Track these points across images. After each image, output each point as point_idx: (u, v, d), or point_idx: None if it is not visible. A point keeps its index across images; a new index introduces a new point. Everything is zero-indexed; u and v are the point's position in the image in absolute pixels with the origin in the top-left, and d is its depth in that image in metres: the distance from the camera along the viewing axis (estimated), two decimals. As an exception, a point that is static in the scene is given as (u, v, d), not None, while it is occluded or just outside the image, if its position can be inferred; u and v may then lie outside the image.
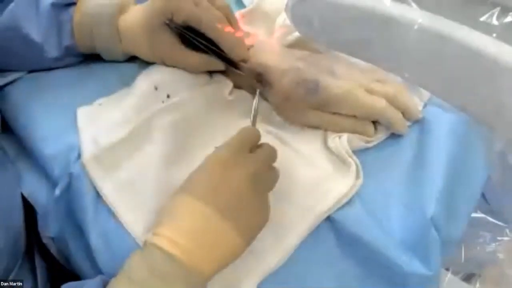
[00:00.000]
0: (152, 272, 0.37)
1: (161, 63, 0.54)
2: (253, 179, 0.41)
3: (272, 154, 0.45)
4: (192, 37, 0.51)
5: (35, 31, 0.52)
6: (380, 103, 0.51)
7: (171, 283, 0.37)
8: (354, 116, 0.51)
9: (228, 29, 0.51)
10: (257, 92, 0.50)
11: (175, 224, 0.40)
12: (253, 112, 0.48)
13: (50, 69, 0.56)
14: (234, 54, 0.52)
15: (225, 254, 0.40)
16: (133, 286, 0.37)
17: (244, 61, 0.52)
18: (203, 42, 0.52)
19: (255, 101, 0.49)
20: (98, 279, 0.40)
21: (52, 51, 0.53)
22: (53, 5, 0.52)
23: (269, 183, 0.44)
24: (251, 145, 0.44)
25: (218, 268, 0.40)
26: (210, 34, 0.51)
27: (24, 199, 0.50)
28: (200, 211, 0.40)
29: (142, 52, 0.54)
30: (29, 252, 0.51)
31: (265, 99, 0.54)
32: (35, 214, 0.50)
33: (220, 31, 0.51)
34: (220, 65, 0.53)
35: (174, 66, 0.54)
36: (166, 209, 0.41)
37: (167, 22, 0.51)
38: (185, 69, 0.54)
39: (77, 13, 0.53)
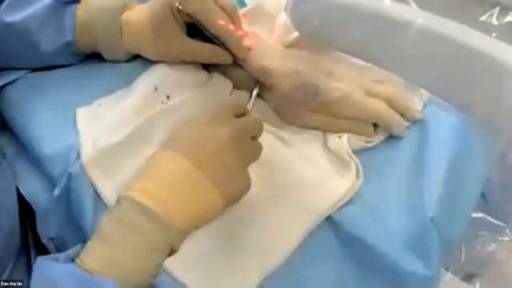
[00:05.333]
0: (122, 224, 0.36)
1: (165, 57, 0.54)
2: (234, 140, 0.41)
3: (256, 124, 0.45)
4: (202, 28, 0.51)
5: (29, 21, 0.51)
6: (379, 107, 0.51)
7: (145, 235, 0.36)
8: (354, 118, 0.51)
9: (231, 27, 0.51)
10: (256, 88, 0.51)
11: (148, 176, 0.39)
12: (252, 99, 0.50)
13: (49, 68, 0.56)
14: (239, 50, 0.52)
15: (202, 208, 0.39)
16: (105, 241, 0.36)
17: (243, 61, 0.52)
18: (209, 36, 0.51)
19: (253, 93, 0.50)
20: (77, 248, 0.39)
21: (48, 44, 0.53)
22: (57, 1, 0.52)
23: (251, 153, 0.44)
24: (236, 112, 0.44)
25: (194, 222, 0.39)
26: (215, 30, 0.51)
27: (21, 198, 0.50)
28: (175, 162, 0.39)
29: (145, 46, 0.54)
30: (25, 250, 0.51)
31: (265, 100, 0.54)
32: (32, 212, 0.50)
33: (224, 27, 0.51)
34: (228, 58, 0.52)
35: (178, 59, 0.53)
36: (143, 165, 0.41)
37: (179, 7, 0.50)
38: (194, 58, 0.53)
39: (80, 9, 0.53)
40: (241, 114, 0.45)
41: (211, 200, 0.40)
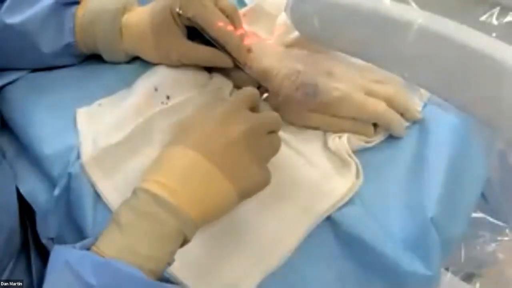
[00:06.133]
0: (138, 214, 0.37)
1: (165, 59, 0.54)
2: (249, 134, 0.42)
3: (274, 119, 0.45)
4: (202, 31, 0.51)
5: (29, 22, 0.51)
6: (379, 107, 0.51)
7: (160, 224, 0.37)
8: (354, 118, 0.52)
9: (230, 29, 0.51)
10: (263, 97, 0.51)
11: (163, 169, 0.40)
12: None
13: (49, 68, 0.56)
14: (239, 53, 0.52)
15: (214, 199, 0.40)
16: (121, 230, 0.37)
17: (243, 64, 0.52)
18: (210, 39, 0.51)
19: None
20: (91, 239, 0.39)
21: (48, 46, 0.53)
22: (57, 2, 0.52)
23: (268, 148, 0.44)
24: (250, 104, 0.45)
25: (207, 213, 0.40)
26: (215, 34, 0.51)
27: (21, 198, 0.50)
28: (186, 156, 0.40)
29: (146, 49, 0.54)
30: (25, 250, 0.51)
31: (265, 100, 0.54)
32: (32, 212, 0.50)
33: (225, 31, 0.51)
34: (228, 61, 0.52)
35: (178, 62, 0.53)
36: (156, 158, 0.42)
37: (179, 12, 0.50)
38: (194, 61, 0.53)
39: (81, 10, 0.53)
40: (255, 104, 0.45)
41: (223, 191, 0.40)
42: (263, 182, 0.43)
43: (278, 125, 0.45)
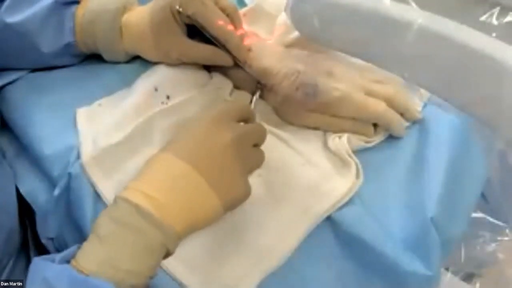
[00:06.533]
0: (120, 224, 0.36)
1: (165, 58, 0.54)
2: (235, 146, 0.41)
3: (260, 132, 0.44)
4: (202, 29, 0.51)
5: (29, 22, 0.51)
6: (379, 107, 0.51)
7: (143, 236, 0.36)
8: (354, 118, 0.52)
9: (230, 27, 0.51)
10: (256, 94, 0.51)
11: (147, 178, 0.39)
12: (253, 103, 0.50)
13: (49, 68, 0.56)
14: (239, 52, 0.52)
15: (199, 210, 0.39)
16: (101, 241, 0.36)
17: (244, 63, 0.52)
18: (210, 37, 0.52)
19: (254, 98, 0.51)
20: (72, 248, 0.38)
21: (48, 46, 0.53)
22: (57, 2, 0.52)
23: (252, 160, 0.44)
24: (240, 117, 0.44)
25: (190, 225, 0.39)
26: (215, 32, 0.51)
27: (21, 198, 0.50)
28: (174, 165, 0.39)
29: (146, 48, 0.54)
30: (25, 249, 0.51)
31: (265, 100, 0.54)
32: (32, 212, 0.50)
33: (225, 29, 0.51)
34: (228, 60, 0.52)
35: (178, 60, 0.53)
36: (142, 166, 0.41)
37: (179, 9, 0.50)
38: (194, 60, 0.53)
39: (80, 10, 0.53)
40: (245, 118, 0.45)
41: (209, 204, 0.40)
42: (246, 194, 0.43)
43: (263, 137, 0.45)
